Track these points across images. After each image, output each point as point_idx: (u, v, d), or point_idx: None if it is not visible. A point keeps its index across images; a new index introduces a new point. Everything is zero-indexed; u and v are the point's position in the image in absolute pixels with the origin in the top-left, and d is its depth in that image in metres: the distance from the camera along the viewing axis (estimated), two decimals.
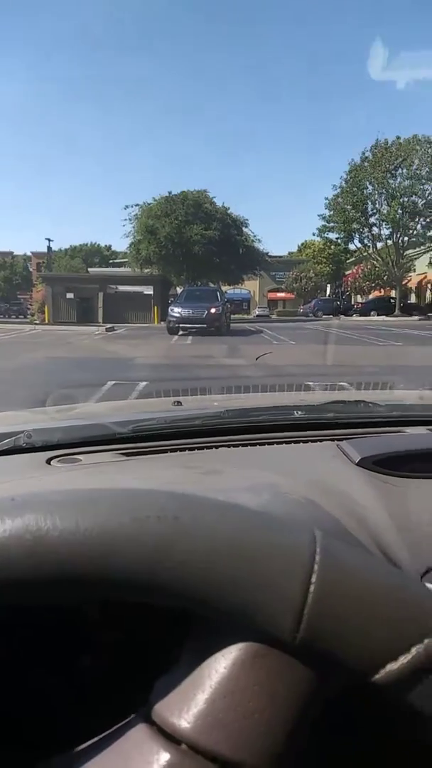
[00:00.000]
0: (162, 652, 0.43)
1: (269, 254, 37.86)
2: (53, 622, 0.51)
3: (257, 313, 46.37)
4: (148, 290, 30.56)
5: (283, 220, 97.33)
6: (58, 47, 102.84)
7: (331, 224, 38.38)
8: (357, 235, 37.81)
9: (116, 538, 0.36)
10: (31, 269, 60.87)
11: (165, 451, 0.90)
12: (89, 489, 0.42)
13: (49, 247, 40.46)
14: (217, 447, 0.91)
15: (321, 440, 0.94)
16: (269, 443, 0.94)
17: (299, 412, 1.08)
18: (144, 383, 6.92)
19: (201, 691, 0.36)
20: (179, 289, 28.50)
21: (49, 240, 39.85)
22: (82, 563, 0.35)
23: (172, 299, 24.91)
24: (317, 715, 0.37)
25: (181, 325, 18.11)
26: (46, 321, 28.53)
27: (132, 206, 32.63)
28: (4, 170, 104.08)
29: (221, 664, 0.37)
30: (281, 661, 0.36)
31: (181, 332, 17.89)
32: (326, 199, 37.70)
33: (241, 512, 0.41)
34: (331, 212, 37.53)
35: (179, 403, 1.27)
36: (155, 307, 29.35)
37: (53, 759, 0.39)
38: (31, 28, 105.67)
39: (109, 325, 22.95)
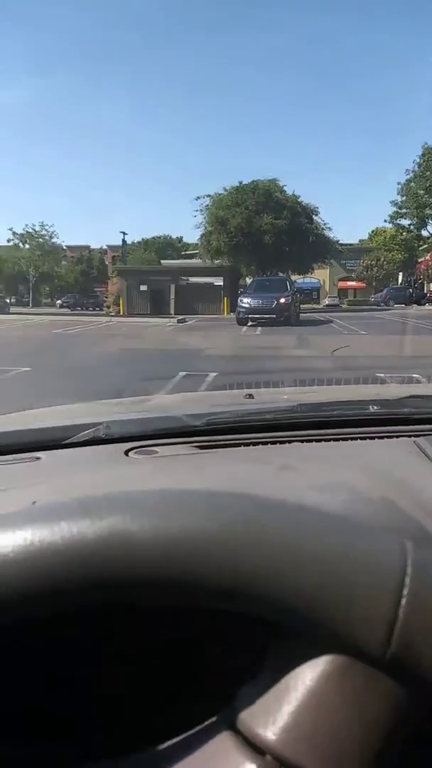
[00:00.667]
0: (244, 661, 0.42)
1: (340, 242, 36.86)
2: (129, 621, 0.52)
3: (327, 302, 45.47)
4: (218, 281, 30.65)
5: (354, 207, 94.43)
6: (125, 43, 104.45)
7: (404, 210, 36.91)
8: (430, 221, 36.06)
9: (202, 543, 0.35)
10: (106, 262, 62.58)
11: (238, 445, 0.90)
12: (177, 491, 0.41)
13: (123, 241, 41.53)
14: (290, 442, 0.91)
15: (397, 436, 0.91)
16: (343, 439, 0.92)
17: (374, 407, 1.05)
18: (214, 374, 6.98)
19: (287, 703, 0.35)
20: (249, 280, 28.36)
21: (124, 233, 41.11)
22: (168, 567, 0.35)
23: (242, 290, 24.85)
24: (407, 733, 0.36)
25: (250, 316, 18.05)
26: (121, 313, 29.32)
27: (203, 197, 32.77)
28: (77, 167, 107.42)
29: (307, 675, 0.35)
30: (370, 676, 0.35)
31: (250, 323, 17.84)
32: (398, 184, 36.30)
33: (328, 520, 0.40)
34: (404, 198, 36.05)
35: (251, 396, 1.27)
36: (225, 298, 29.42)
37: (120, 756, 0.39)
38: (99, 31, 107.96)
39: (180, 317, 23.26)
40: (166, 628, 0.50)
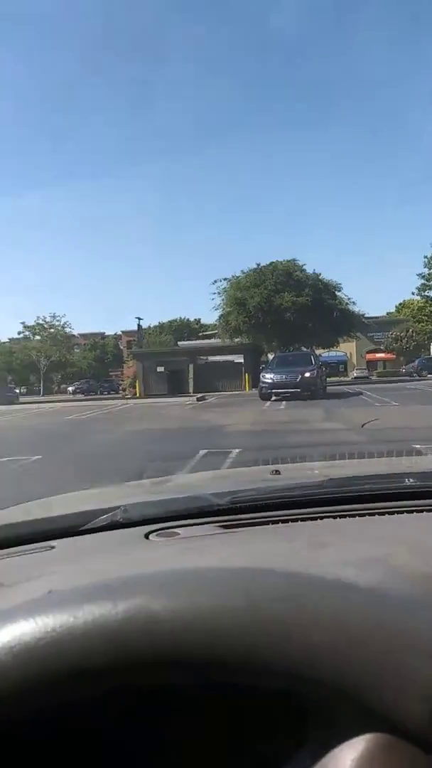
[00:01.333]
0: (281, 740, 0.42)
1: (366, 315, 37.60)
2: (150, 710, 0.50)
3: (355, 374, 45.80)
4: (239, 358, 31.31)
5: (379, 281, 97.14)
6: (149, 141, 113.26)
7: None
8: None
9: (230, 620, 0.35)
10: (121, 347, 64.73)
11: (266, 523, 0.88)
12: (202, 568, 0.42)
13: (139, 325, 43.07)
14: (321, 518, 0.88)
15: None
16: (379, 514, 0.89)
17: (409, 480, 1.03)
18: (237, 450, 6.91)
19: None
20: (271, 356, 28.80)
21: (139, 318, 42.57)
22: (195, 644, 0.35)
23: (264, 366, 25.19)
24: None
25: (273, 391, 18.18)
26: (137, 395, 29.87)
27: (220, 280, 34.05)
28: (91, 255, 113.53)
29: (349, 755, 0.35)
30: (413, 755, 0.34)
31: (273, 398, 17.92)
32: (425, 257, 37.38)
33: (365, 595, 0.40)
34: (431, 270, 36.94)
35: (277, 471, 1.27)
36: (246, 375, 29.86)
37: None
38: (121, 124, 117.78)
39: (200, 395, 23.53)
40: (197, 710, 0.50)
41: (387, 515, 0.89)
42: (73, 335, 54.19)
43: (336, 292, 33.74)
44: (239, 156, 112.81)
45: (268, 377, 18.83)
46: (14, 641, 0.36)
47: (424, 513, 0.89)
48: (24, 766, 0.47)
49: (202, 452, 7.16)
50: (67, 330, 50.78)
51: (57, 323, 49.58)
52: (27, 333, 51.01)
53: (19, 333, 52.02)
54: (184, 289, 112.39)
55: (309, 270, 33.86)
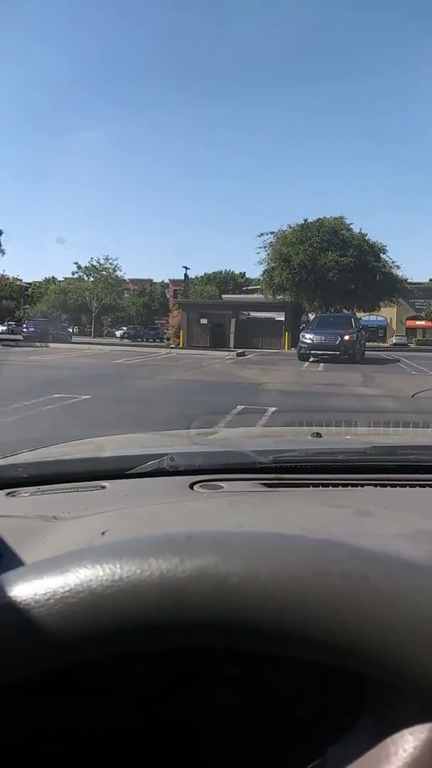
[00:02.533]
0: (337, 717, 0.41)
1: (408, 281, 36.28)
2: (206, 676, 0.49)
3: (394, 341, 44.63)
4: (280, 316, 30.79)
5: (425, 246, 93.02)
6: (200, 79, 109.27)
7: None
8: None
9: (296, 591, 0.34)
10: (168, 296, 64.46)
11: (307, 485, 0.88)
12: (272, 534, 0.40)
13: (186, 275, 42.59)
14: (363, 485, 0.87)
15: None
16: (421, 485, 0.88)
17: None
18: (273, 409, 6.92)
19: None
20: (311, 316, 28.30)
21: (186, 268, 41.97)
22: (259, 613, 0.34)
23: (304, 326, 24.80)
24: None
25: (312, 352, 17.94)
26: (181, 345, 29.87)
27: (266, 234, 33.18)
28: (142, 200, 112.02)
29: (408, 742, 0.34)
30: None
31: (312, 359, 17.71)
32: None
33: (428, 574, 0.38)
34: None
35: (318, 434, 1.24)
36: (286, 333, 29.45)
37: None
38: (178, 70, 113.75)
39: (240, 350, 23.42)
40: (255, 678, 0.49)
41: (429, 488, 0.88)
42: (124, 279, 54.01)
43: (381, 255, 32.42)
44: (292, 110, 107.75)
45: (307, 338, 18.53)
46: (82, 586, 0.35)
47: None
48: (81, 708, 0.48)
49: (239, 407, 7.19)
50: (119, 274, 50.70)
51: (109, 266, 49.47)
52: (81, 274, 51.11)
53: (73, 273, 52.10)
54: (233, 242, 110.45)
55: (355, 229, 32.61)
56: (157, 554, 0.36)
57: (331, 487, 0.87)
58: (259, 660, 0.40)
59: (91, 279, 49.97)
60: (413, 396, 9.43)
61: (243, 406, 7.30)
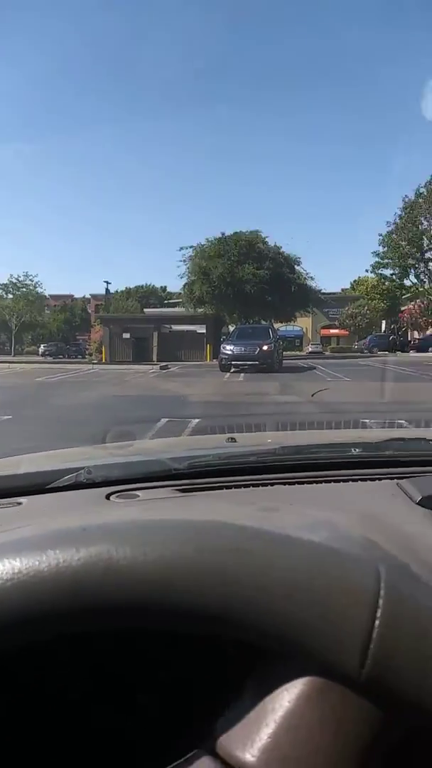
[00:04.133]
0: (222, 686, 0.43)
1: (322, 291, 37.79)
2: (114, 659, 0.51)
3: (310, 349, 46.13)
4: (201, 329, 31.13)
5: (336, 258, 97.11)
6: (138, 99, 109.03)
7: (386, 260, 38.21)
8: (412, 271, 37.38)
9: (181, 568, 0.36)
10: (89, 311, 63.30)
11: (221, 488, 0.90)
12: (156, 519, 0.44)
13: (107, 290, 42.20)
14: (272, 484, 0.91)
15: (380, 479, 0.92)
16: (326, 481, 0.92)
17: (356, 450, 1.06)
18: (197, 420, 6.96)
19: (266, 725, 0.36)
20: (232, 328, 28.79)
21: (107, 282, 41.66)
22: (149, 592, 0.36)
23: (225, 337, 25.18)
24: (384, 753, 0.36)
25: (233, 363, 18.23)
26: (104, 360, 29.42)
27: (186, 248, 33.58)
28: (63, 217, 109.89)
29: (285, 698, 0.36)
30: (347, 697, 0.36)
31: (233, 369, 17.99)
32: (380, 235, 37.67)
33: (304, 546, 0.41)
34: (386, 248, 37.38)
35: (233, 439, 1.28)
36: (208, 345, 29.78)
37: None
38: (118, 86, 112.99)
39: (163, 364, 23.38)
40: (148, 655, 0.50)
41: (333, 483, 0.91)
42: (45, 296, 52.53)
43: (295, 266, 33.64)
44: (215, 124, 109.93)
45: (228, 349, 18.83)
46: None
47: (368, 481, 0.91)
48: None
49: (163, 420, 7.17)
50: (39, 290, 49.27)
51: (30, 282, 47.99)
52: (0, 291, 49.37)
53: None
54: (153, 256, 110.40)
55: (270, 243, 33.63)
56: (55, 546, 0.38)
57: (243, 488, 0.90)
58: (156, 636, 0.42)
59: (11, 296, 48.27)
60: (312, 396, 9.95)
61: (167, 419, 7.29)
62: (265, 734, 0.35)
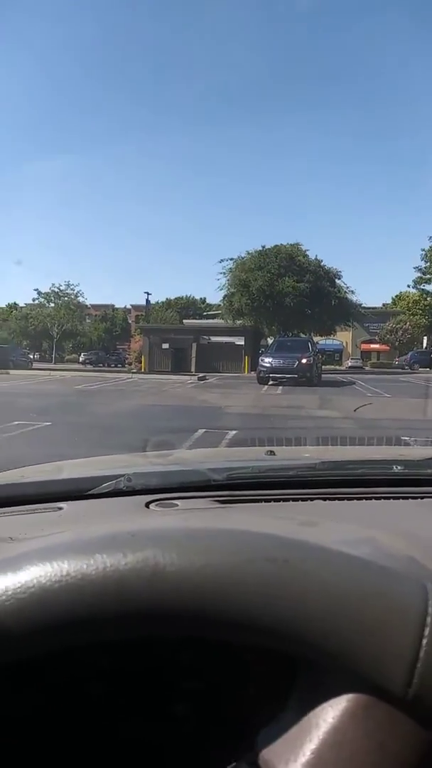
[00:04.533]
0: (267, 698, 0.43)
1: (363, 305, 37.34)
2: (152, 668, 0.51)
3: (350, 364, 45.57)
4: (240, 341, 31.17)
5: (378, 272, 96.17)
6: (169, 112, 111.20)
7: (428, 276, 37.52)
8: None
9: (228, 577, 0.36)
10: (130, 321, 64.27)
11: (259, 500, 0.90)
12: (201, 528, 0.43)
13: (147, 300, 42.70)
14: (312, 499, 0.90)
15: (422, 497, 0.90)
16: (366, 498, 0.91)
17: (398, 467, 1.04)
18: (234, 432, 6.95)
19: (309, 740, 0.35)
20: (270, 340, 28.72)
21: (148, 293, 42.11)
22: (196, 600, 0.36)
23: (263, 350, 25.13)
24: None
25: (271, 375, 18.16)
26: (143, 370, 29.76)
27: (226, 260, 33.74)
28: (106, 228, 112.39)
29: (329, 714, 0.36)
30: (392, 715, 0.35)
31: (271, 382, 17.91)
32: (423, 250, 37.13)
33: (347, 560, 0.41)
34: (428, 264, 36.76)
35: (272, 452, 1.27)
36: (246, 357, 29.77)
37: None
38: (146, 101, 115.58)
39: (201, 374, 23.49)
40: (190, 664, 0.50)
41: (374, 500, 0.90)
42: (86, 305, 53.65)
43: (336, 280, 33.34)
44: (252, 133, 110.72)
45: (266, 361, 18.76)
46: (31, 582, 0.37)
47: (410, 499, 0.90)
48: (34, 697, 0.50)
49: (200, 431, 7.20)
50: (80, 299, 50.33)
51: (71, 292, 49.05)
52: (42, 300, 50.53)
53: (33, 299, 51.47)
54: (193, 268, 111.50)
55: (311, 255, 33.49)
56: (102, 550, 0.38)
57: (282, 502, 0.89)
58: (200, 644, 0.42)
59: (53, 305, 49.51)
60: (355, 410, 9.85)
61: (204, 430, 7.30)
62: (308, 749, 0.35)
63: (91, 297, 65.21)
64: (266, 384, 17.83)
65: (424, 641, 0.36)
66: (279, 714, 0.39)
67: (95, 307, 62.95)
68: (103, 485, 0.92)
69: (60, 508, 0.87)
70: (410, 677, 0.35)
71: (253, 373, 22.15)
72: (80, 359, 49.08)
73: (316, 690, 0.37)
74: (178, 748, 0.52)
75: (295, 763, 0.35)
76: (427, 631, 0.36)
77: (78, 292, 49.49)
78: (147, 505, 0.87)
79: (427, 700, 0.35)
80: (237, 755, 0.38)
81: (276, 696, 0.41)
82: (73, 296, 49.27)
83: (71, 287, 48.87)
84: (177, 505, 0.87)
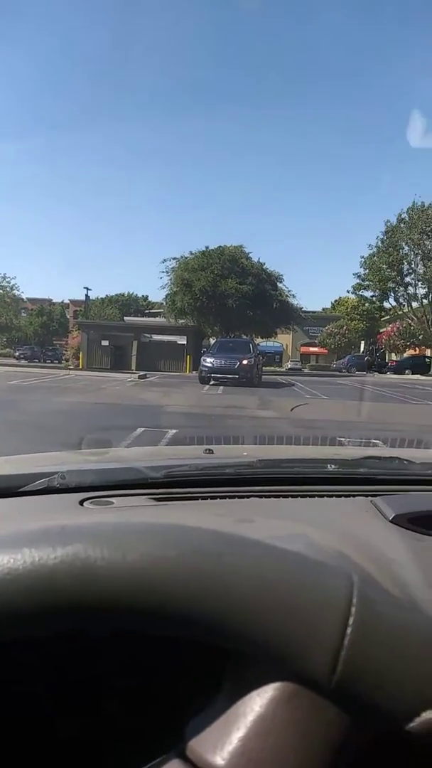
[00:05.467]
0: (194, 690, 0.43)
1: (303, 309, 38.24)
2: (80, 664, 0.51)
3: (290, 366, 46.54)
4: (182, 340, 31.21)
5: (318, 277, 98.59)
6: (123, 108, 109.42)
7: (366, 282, 38.96)
8: (392, 294, 38.25)
9: (158, 571, 0.37)
10: (68, 316, 62.87)
11: (196, 498, 0.90)
12: (137, 522, 0.44)
13: (87, 296, 41.86)
14: (248, 497, 0.91)
15: (354, 495, 0.93)
16: (301, 496, 0.93)
17: (332, 466, 1.07)
18: (174, 431, 6.94)
19: (236, 729, 0.36)
20: (212, 341, 28.90)
21: (87, 288, 41.28)
22: (125, 593, 0.36)
23: (205, 349, 25.26)
24: (351, 760, 0.37)
25: (212, 375, 18.27)
26: (81, 367, 29.20)
27: (169, 259, 33.75)
28: (45, 219, 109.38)
29: (257, 702, 0.37)
30: (317, 703, 0.36)
31: (212, 382, 18.02)
32: (362, 257, 38.46)
33: (277, 553, 0.42)
34: (367, 271, 38.14)
35: (210, 451, 1.28)
36: (188, 357, 29.83)
37: None
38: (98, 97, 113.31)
39: (141, 373, 23.31)
40: (121, 658, 0.50)
41: (309, 498, 0.92)
42: (22, 298, 52.10)
43: (278, 284, 34.00)
44: (199, 138, 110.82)
45: (208, 361, 18.84)
46: None
47: (343, 498, 0.92)
48: None
49: (140, 429, 7.13)
50: (16, 292, 48.85)
51: (6, 284, 47.59)
52: None
53: None
54: (136, 266, 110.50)
55: (254, 258, 33.95)
56: (31, 545, 0.38)
57: (218, 499, 0.90)
58: (130, 638, 0.42)
59: None
60: (292, 410, 10.12)
61: (144, 428, 7.25)
62: (235, 738, 0.36)
63: (28, 291, 63.53)
64: (207, 384, 17.92)
65: (349, 629, 0.37)
66: (208, 705, 0.39)
67: (32, 300, 61.14)
68: (36, 482, 0.90)
69: None
70: (334, 665, 0.36)
71: (194, 372, 22.21)
72: (15, 354, 47.54)
73: (245, 680, 0.38)
74: (111, 744, 0.51)
75: (222, 751, 0.36)
76: (350, 621, 0.37)
77: (14, 285, 48.01)
78: (81, 502, 0.85)
79: (350, 687, 0.36)
80: (167, 747, 0.39)
81: (206, 687, 0.41)
82: (8, 289, 47.74)
83: (6, 280, 47.37)
84: (113, 503, 0.86)
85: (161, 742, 0.40)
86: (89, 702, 0.53)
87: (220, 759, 0.35)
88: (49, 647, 0.45)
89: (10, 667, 0.49)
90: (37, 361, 42.48)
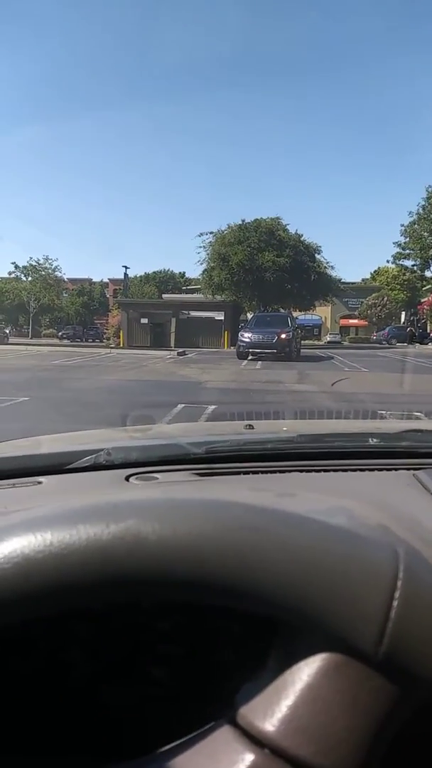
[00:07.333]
0: (246, 660, 0.44)
1: (342, 281, 37.39)
2: (130, 634, 0.53)
3: (328, 339, 45.87)
4: (219, 316, 31.09)
5: (358, 247, 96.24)
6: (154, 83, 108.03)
7: (407, 251, 37.70)
8: None
9: (207, 545, 0.38)
10: (108, 295, 63.39)
11: (238, 473, 0.91)
12: (181, 498, 0.45)
13: (125, 274, 42.14)
14: (289, 471, 0.92)
15: (397, 469, 0.92)
16: (342, 470, 0.93)
17: (374, 440, 1.06)
18: (213, 407, 6.99)
19: (285, 697, 0.37)
20: (250, 315, 28.68)
21: (126, 267, 41.53)
22: (176, 567, 0.38)
23: (243, 325, 25.09)
24: (397, 728, 0.38)
25: (250, 350, 18.19)
26: (121, 345, 29.56)
27: (206, 234, 33.33)
28: (84, 200, 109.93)
29: (305, 672, 0.38)
30: (364, 673, 0.37)
31: (250, 357, 17.96)
32: (402, 226, 37.16)
33: (327, 528, 0.43)
34: (407, 239, 36.88)
35: (251, 426, 1.28)
36: (226, 332, 29.76)
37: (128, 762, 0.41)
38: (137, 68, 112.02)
39: (180, 350, 23.42)
40: (170, 627, 0.52)
41: (350, 472, 0.92)
42: (63, 279, 52.77)
43: (316, 255, 33.17)
44: (234, 112, 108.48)
45: (246, 337, 18.75)
46: (15, 552, 0.38)
47: (384, 471, 0.91)
48: (18, 663, 0.52)
49: (180, 406, 7.21)
50: (58, 274, 49.50)
51: (48, 266, 48.22)
52: (18, 273, 49.63)
53: (10, 273, 50.46)
54: (172, 242, 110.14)
55: (291, 230, 33.19)
56: (85, 520, 0.39)
57: (260, 474, 0.91)
58: (181, 610, 0.44)
59: (29, 279, 48.58)
60: (332, 385, 10.02)
61: (184, 405, 7.32)
62: (284, 705, 0.37)
63: (69, 271, 64.41)
64: (245, 359, 17.86)
65: (395, 603, 0.38)
66: (256, 674, 0.40)
67: (72, 281, 61.86)
68: (83, 459, 0.92)
69: (39, 483, 0.87)
70: (381, 637, 0.37)
71: (232, 348, 22.17)
72: (58, 334, 48.45)
73: (293, 651, 0.39)
74: (159, 710, 0.54)
75: (272, 718, 0.37)
76: (397, 594, 0.38)
77: (56, 266, 48.65)
78: (127, 478, 0.87)
79: (397, 658, 0.37)
80: (217, 714, 0.40)
81: (254, 657, 0.42)
82: (51, 270, 48.45)
83: (49, 261, 48.02)
84: (157, 479, 0.88)
85: (208, 711, 0.41)
86: (138, 670, 0.55)
87: (269, 725, 0.37)
88: (101, 618, 0.46)
89: (63, 637, 0.51)
90: (79, 340, 43.25)
